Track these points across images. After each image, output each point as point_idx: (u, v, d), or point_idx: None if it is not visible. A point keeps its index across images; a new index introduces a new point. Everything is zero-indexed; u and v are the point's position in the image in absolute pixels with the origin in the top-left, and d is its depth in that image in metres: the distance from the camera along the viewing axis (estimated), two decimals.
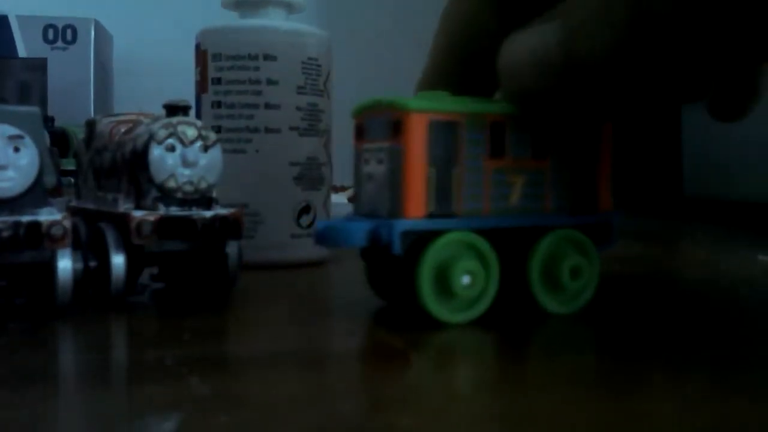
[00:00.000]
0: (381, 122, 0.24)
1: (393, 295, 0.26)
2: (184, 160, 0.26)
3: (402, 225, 0.22)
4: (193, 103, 0.31)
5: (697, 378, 0.18)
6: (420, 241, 0.23)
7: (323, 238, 0.24)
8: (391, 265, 0.24)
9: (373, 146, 0.24)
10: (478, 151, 0.23)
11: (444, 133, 0.23)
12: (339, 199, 0.53)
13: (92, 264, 0.25)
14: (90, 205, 0.29)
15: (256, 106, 0.35)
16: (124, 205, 0.26)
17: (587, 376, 0.18)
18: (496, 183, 0.24)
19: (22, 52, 0.86)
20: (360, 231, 0.23)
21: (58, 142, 0.65)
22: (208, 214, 0.26)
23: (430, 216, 0.23)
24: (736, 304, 0.27)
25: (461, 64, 0.27)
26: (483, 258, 0.23)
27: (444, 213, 0.23)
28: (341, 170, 0.44)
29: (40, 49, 0.90)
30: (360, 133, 0.25)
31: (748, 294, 0.30)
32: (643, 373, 0.18)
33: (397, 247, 0.22)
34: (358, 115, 0.25)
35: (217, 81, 0.35)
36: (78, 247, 0.25)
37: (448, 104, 0.23)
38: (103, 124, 0.29)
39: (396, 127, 0.23)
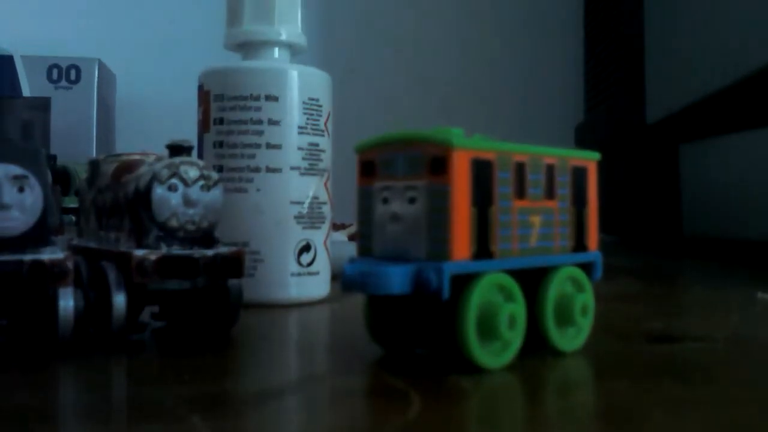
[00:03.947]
0: (408, 158, 0.22)
1: (401, 341, 0.25)
2: (186, 200, 0.26)
3: (451, 267, 0.21)
4: (195, 142, 0.32)
5: (696, 417, 0.18)
6: (457, 283, 0.21)
7: (359, 284, 0.21)
8: (413, 309, 0.23)
9: (399, 184, 0.22)
10: (507, 190, 0.23)
11: (481, 171, 0.22)
12: (339, 237, 0.53)
13: (93, 302, 0.25)
14: (92, 244, 0.29)
15: (257, 145, 0.35)
16: (125, 244, 0.26)
17: (589, 413, 0.18)
18: (521, 223, 0.23)
19: (26, 91, 0.87)
20: (402, 276, 0.21)
21: (59, 180, 0.65)
22: (210, 252, 0.26)
23: (474, 257, 0.22)
24: (735, 341, 0.27)
25: None
26: (513, 299, 0.23)
27: (483, 254, 0.22)
28: (341, 208, 0.45)
29: (45, 89, 0.91)
30: (370, 170, 0.23)
31: (748, 331, 0.30)
32: (645, 409, 0.18)
33: (447, 291, 0.21)
34: (366, 151, 0.23)
35: (220, 121, 0.36)
36: (79, 285, 0.25)
37: (482, 142, 0.22)
38: (106, 164, 0.29)
39: (436, 164, 0.21)
